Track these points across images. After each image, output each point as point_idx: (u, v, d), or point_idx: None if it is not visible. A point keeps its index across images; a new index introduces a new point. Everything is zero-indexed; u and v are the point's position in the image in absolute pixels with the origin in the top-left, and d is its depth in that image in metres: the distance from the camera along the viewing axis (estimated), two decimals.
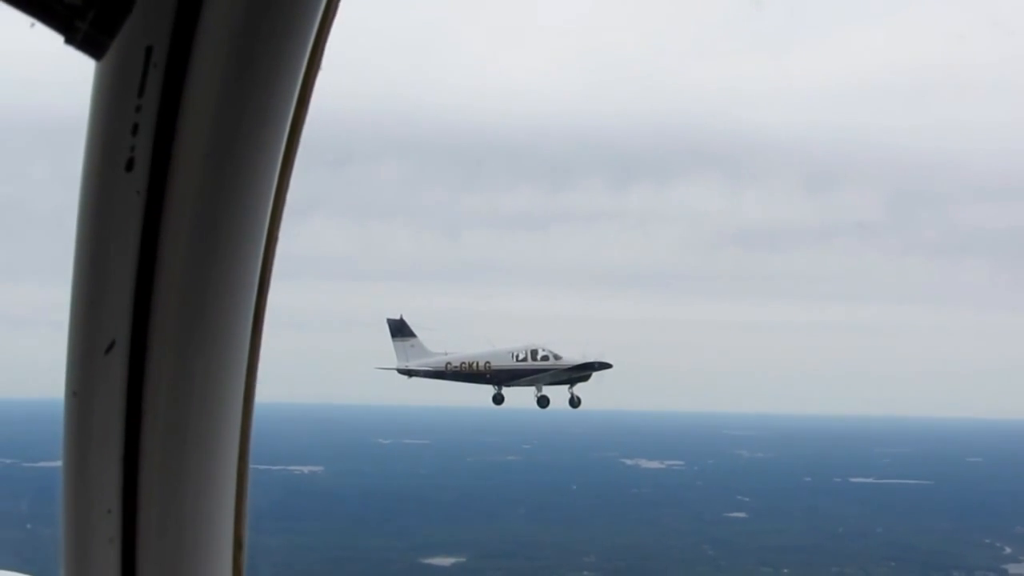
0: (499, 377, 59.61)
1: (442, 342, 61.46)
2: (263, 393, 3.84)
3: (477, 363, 59.52)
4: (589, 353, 59.60)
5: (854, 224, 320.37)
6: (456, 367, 59.49)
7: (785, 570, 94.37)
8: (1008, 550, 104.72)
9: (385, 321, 59.96)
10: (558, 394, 59.87)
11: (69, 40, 3.27)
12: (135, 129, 3.42)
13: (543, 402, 59.61)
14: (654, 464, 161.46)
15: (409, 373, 59.54)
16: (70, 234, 3.55)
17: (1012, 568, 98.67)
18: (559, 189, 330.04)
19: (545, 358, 59.49)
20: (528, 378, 59.31)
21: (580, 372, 59.07)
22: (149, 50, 3.37)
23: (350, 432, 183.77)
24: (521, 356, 59.76)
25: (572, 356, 59.49)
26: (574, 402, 59.34)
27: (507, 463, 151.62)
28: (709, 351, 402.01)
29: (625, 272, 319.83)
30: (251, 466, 3.79)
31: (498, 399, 60.27)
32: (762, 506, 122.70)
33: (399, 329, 59.66)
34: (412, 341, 59.61)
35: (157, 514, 3.67)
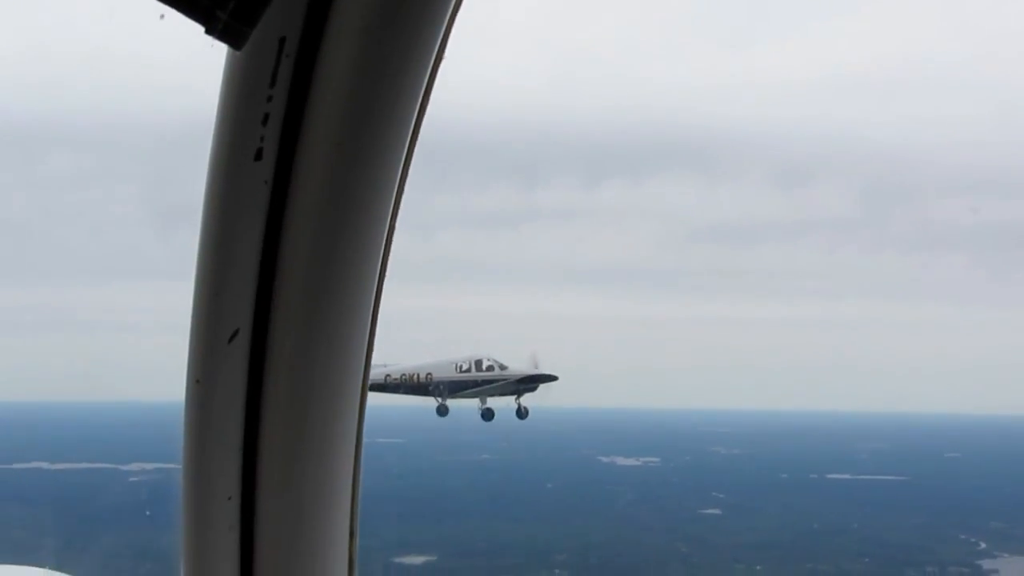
0: (441, 389, 57.29)
1: (384, 351, 59.41)
2: None
3: (418, 375, 57.00)
4: (538, 355, 57.73)
5: (829, 219, 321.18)
6: (396, 379, 56.31)
7: (758, 567, 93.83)
8: (983, 545, 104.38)
9: None
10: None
11: (209, 30, 3.18)
12: (265, 119, 3.38)
13: (487, 415, 57.28)
14: (630, 461, 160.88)
15: None
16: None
17: (986, 563, 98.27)
18: (531, 186, 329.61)
19: (490, 368, 57.12)
20: (472, 390, 57.01)
21: (526, 384, 56.58)
22: (282, 41, 3.31)
23: None
24: (465, 367, 57.36)
25: (519, 367, 57.11)
26: (521, 413, 56.51)
27: (482, 462, 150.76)
28: (686, 347, 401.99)
29: (599, 269, 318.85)
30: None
31: (442, 411, 57.31)
32: (737, 503, 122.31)
33: None
34: None
35: (276, 502, 3.73)
